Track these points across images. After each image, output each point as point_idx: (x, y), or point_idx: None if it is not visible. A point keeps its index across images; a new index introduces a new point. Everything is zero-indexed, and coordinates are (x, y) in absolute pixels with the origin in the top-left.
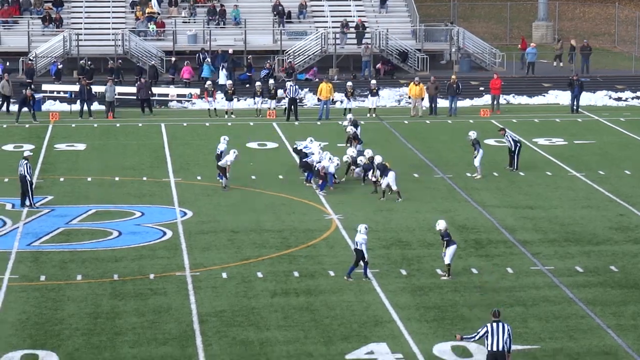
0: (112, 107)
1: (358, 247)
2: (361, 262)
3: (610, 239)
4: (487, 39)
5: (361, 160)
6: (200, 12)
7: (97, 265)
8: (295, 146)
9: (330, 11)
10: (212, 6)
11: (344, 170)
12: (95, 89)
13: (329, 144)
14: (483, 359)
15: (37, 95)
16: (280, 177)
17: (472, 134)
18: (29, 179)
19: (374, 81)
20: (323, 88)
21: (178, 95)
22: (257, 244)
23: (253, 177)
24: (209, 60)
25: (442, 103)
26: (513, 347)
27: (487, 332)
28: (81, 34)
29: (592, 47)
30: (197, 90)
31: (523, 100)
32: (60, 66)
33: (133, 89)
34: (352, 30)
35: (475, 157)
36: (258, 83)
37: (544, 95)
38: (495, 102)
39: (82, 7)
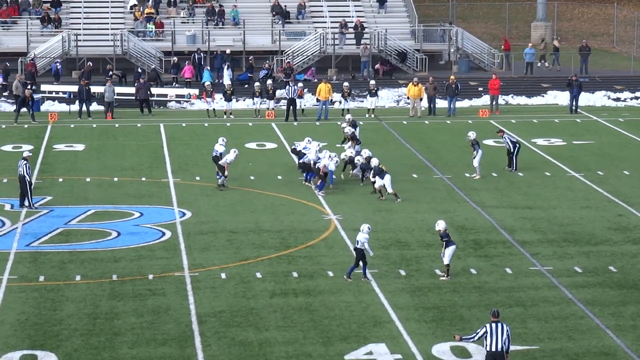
0: (111, 107)
1: (358, 247)
2: (360, 263)
3: (609, 240)
4: (485, 40)
5: (359, 160)
6: (199, 12)
7: (96, 265)
8: (293, 147)
9: (329, 11)
10: (211, 6)
11: (340, 168)
12: (94, 89)
13: (327, 144)
14: (482, 359)
15: (36, 96)
16: (279, 177)
17: (472, 135)
18: (28, 180)
19: (372, 81)
20: (322, 88)
21: (177, 96)
22: (256, 245)
23: (252, 177)
24: (209, 67)
25: (441, 103)
26: (512, 347)
27: (486, 332)
28: (80, 35)
29: (590, 48)
30: (196, 91)
31: (522, 100)
32: (59, 66)
33: (132, 90)
34: (351, 30)
35: (474, 157)
36: (257, 83)
37: (542, 96)
38: (494, 103)
39: (80, 7)
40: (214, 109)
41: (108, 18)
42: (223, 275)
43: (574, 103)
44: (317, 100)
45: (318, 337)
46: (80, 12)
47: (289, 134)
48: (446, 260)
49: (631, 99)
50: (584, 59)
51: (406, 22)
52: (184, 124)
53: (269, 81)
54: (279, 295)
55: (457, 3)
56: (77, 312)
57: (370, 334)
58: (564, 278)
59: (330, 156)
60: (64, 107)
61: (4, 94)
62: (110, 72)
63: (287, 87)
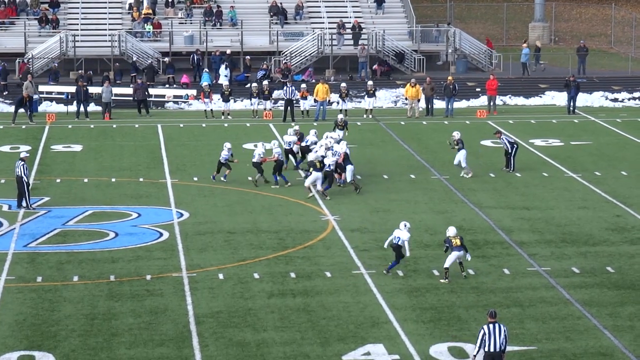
0: (109, 108)
1: (398, 243)
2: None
3: (606, 240)
4: (483, 40)
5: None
6: (196, 13)
7: (94, 266)
8: (289, 146)
9: (327, 12)
10: (209, 7)
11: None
12: (92, 90)
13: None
14: None
15: (33, 97)
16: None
17: (457, 134)
18: (26, 180)
19: (370, 82)
20: (319, 89)
21: (175, 97)
22: (254, 245)
23: (249, 178)
24: (207, 69)
25: (439, 104)
26: (510, 348)
27: (484, 334)
28: (78, 35)
29: (588, 48)
30: (193, 92)
31: (519, 101)
32: (55, 64)
33: (130, 90)
34: (349, 31)
35: (457, 156)
36: (254, 84)
37: (540, 96)
38: (491, 103)
39: (78, 8)
40: (211, 110)
41: (106, 19)
42: (221, 276)
43: (571, 104)
44: (315, 100)
45: (316, 338)
46: (78, 13)
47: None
48: (446, 264)
49: (629, 99)
50: (581, 60)
51: (404, 22)
52: (181, 125)
53: (266, 82)
54: (276, 296)
55: (455, 4)
56: (75, 312)
57: (368, 334)
58: (562, 278)
59: (333, 153)
60: (61, 107)
61: (4, 93)
62: (105, 74)
63: (285, 87)
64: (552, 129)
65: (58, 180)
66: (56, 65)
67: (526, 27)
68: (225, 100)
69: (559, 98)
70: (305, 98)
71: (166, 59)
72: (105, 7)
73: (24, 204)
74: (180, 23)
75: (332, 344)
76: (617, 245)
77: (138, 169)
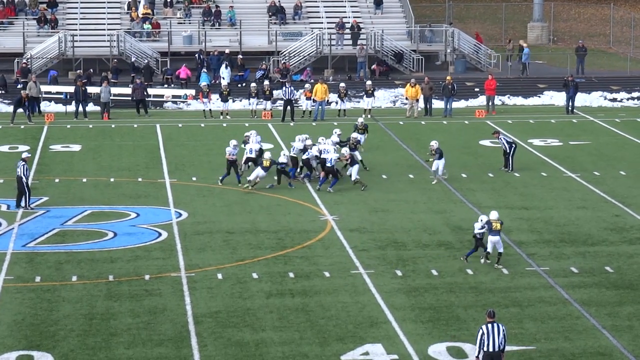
0: (108, 108)
1: (478, 236)
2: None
3: (605, 240)
4: (482, 40)
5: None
6: (195, 13)
7: (93, 266)
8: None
9: (326, 12)
10: (207, 7)
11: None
12: (91, 90)
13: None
14: None
15: (39, 97)
16: (276, 177)
17: (435, 144)
18: (25, 181)
19: (369, 82)
20: (318, 89)
21: (173, 97)
22: (253, 245)
23: (249, 178)
24: (205, 70)
25: (437, 104)
26: (508, 347)
27: (483, 334)
28: (76, 35)
29: (587, 48)
30: (192, 92)
31: (518, 101)
32: (55, 74)
33: (128, 90)
34: (348, 31)
35: (436, 165)
36: (253, 84)
37: (539, 96)
38: (490, 103)
39: (77, 8)
40: (210, 110)
41: (104, 19)
42: (219, 276)
43: (570, 103)
44: (314, 100)
45: (314, 338)
46: (77, 13)
47: (285, 134)
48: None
49: (627, 99)
50: (580, 60)
51: (402, 22)
52: (180, 125)
53: (266, 82)
54: (275, 296)
55: (454, 4)
56: (74, 312)
57: (366, 334)
58: (561, 278)
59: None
60: (60, 107)
61: (1, 92)
62: (104, 74)
63: (284, 88)
64: (551, 129)
65: (57, 180)
66: (56, 74)
67: (525, 27)
68: (224, 100)
69: (557, 98)
70: (309, 98)
71: (166, 60)
72: (104, 7)
73: (22, 203)
74: (179, 23)
75: (331, 344)
76: (616, 245)
77: (137, 168)
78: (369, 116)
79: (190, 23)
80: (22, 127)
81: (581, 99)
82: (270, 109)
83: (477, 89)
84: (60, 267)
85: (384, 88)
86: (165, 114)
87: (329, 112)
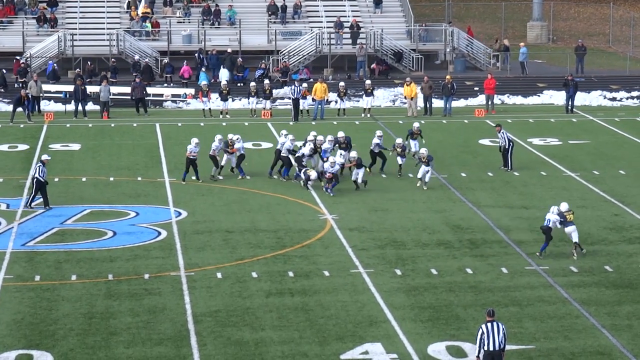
0: (107, 107)
1: (549, 225)
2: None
3: (605, 239)
4: (481, 39)
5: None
6: (194, 12)
7: (92, 265)
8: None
9: (325, 11)
10: (207, 6)
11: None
12: (90, 89)
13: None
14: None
15: (40, 96)
16: (275, 177)
17: (425, 151)
18: (39, 180)
19: (368, 81)
20: (317, 88)
21: (173, 96)
22: (252, 244)
23: (248, 177)
24: (204, 68)
25: (437, 103)
26: (508, 347)
27: (482, 333)
28: (76, 34)
29: (586, 47)
30: (191, 91)
31: (518, 100)
32: (55, 66)
33: (128, 89)
34: (347, 30)
35: (420, 171)
36: (253, 83)
37: (538, 95)
38: (489, 102)
39: (76, 7)
40: (209, 109)
41: (104, 18)
42: (219, 275)
43: (569, 103)
44: (313, 99)
45: (314, 337)
46: (76, 12)
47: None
48: (574, 239)
49: (627, 98)
50: (579, 59)
51: (402, 22)
52: (179, 124)
53: (267, 81)
54: (274, 295)
55: (453, 3)
56: (73, 311)
57: (366, 333)
58: (560, 277)
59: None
60: (59, 106)
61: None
62: (103, 73)
63: (292, 87)
64: (551, 128)
65: (56, 179)
66: (55, 65)
67: (524, 26)
68: (224, 99)
69: (557, 97)
70: (305, 97)
71: (165, 60)
72: (104, 6)
73: (31, 203)
74: (178, 22)
75: (330, 343)
76: (615, 245)
77: (136, 167)
78: (368, 115)
79: (189, 22)
80: (22, 126)
81: (581, 98)
82: (270, 108)
83: (476, 88)
84: (59, 266)
85: (384, 87)
86: (165, 113)
87: (328, 111)
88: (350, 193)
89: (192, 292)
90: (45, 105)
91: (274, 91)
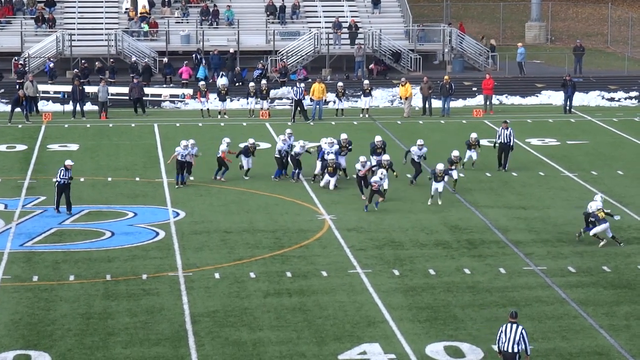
0: (105, 107)
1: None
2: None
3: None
4: (480, 40)
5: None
6: (193, 12)
7: (90, 265)
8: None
9: (323, 11)
10: (205, 6)
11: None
12: (88, 89)
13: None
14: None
15: (37, 96)
16: (273, 177)
17: (440, 166)
18: (58, 183)
19: (366, 81)
20: (315, 88)
21: (171, 96)
22: (250, 244)
23: (246, 177)
24: (204, 62)
25: (435, 103)
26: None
27: (500, 332)
28: (74, 34)
29: (584, 48)
30: (190, 91)
31: (516, 100)
32: (52, 65)
33: (126, 89)
34: (345, 30)
35: (435, 188)
36: (251, 83)
37: (537, 96)
38: (487, 103)
39: (75, 7)
40: (208, 109)
41: (102, 18)
42: (217, 275)
43: (568, 103)
44: (311, 100)
45: (312, 337)
46: (75, 12)
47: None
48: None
49: (625, 99)
50: (578, 59)
51: (400, 22)
52: (178, 124)
53: (264, 81)
54: (272, 295)
55: (452, 3)
56: (71, 312)
57: (364, 333)
58: (558, 278)
59: (382, 173)
60: (58, 107)
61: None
62: (100, 76)
63: (294, 88)
64: (549, 129)
65: (54, 180)
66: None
67: (523, 26)
68: (222, 99)
69: (555, 97)
70: (304, 98)
71: (165, 59)
72: (102, 7)
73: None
74: (176, 22)
75: (328, 343)
76: (613, 245)
77: (134, 168)
78: (366, 115)
79: (188, 22)
80: (20, 126)
81: (579, 99)
82: (268, 109)
83: (474, 89)
84: (57, 266)
85: (382, 87)
86: (163, 113)
87: (326, 112)
88: (348, 193)
89: (190, 292)
90: (44, 106)
91: (272, 91)
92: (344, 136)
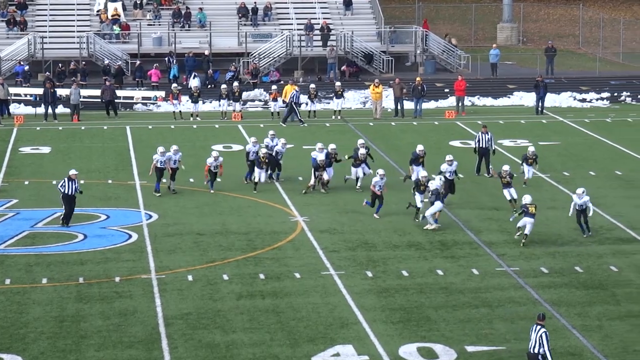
0: (77, 110)
1: (579, 208)
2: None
3: (575, 240)
4: (444, 37)
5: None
6: (165, 14)
7: (63, 268)
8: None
9: (295, 13)
10: (177, 9)
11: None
12: (60, 92)
13: (294, 146)
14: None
15: (8, 99)
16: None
17: (439, 186)
18: (63, 194)
19: (338, 83)
20: (288, 90)
21: (143, 98)
22: (223, 247)
23: (218, 179)
24: (175, 62)
25: (408, 105)
26: (479, 348)
27: (530, 334)
28: (46, 37)
29: (556, 49)
30: (162, 93)
31: (488, 101)
32: (26, 68)
33: (98, 92)
34: (317, 32)
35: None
36: (223, 85)
37: (508, 97)
38: (460, 104)
39: (46, 9)
40: (180, 111)
41: (74, 20)
42: (190, 278)
43: (539, 104)
44: (283, 102)
45: (285, 339)
46: (46, 15)
47: (255, 135)
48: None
49: (597, 99)
50: (549, 60)
51: (372, 23)
52: (150, 126)
53: (236, 83)
54: (245, 297)
55: (424, 5)
56: (44, 315)
57: (337, 335)
58: (530, 279)
59: (378, 173)
60: (29, 109)
61: None
62: (73, 78)
63: (292, 91)
64: (521, 130)
65: (26, 182)
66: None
67: (495, 28)
68: (194, 101)
69: (527, 98)
70: (275, 100)
71: (138, 62)
72: (74, 9)
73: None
74: (148, 25)
75: (302, 345)
76: (586, 245)
77: (107, 170)
78: (338, 117)
79: (160, 25)
80: None
81: (551, 100)
82: (240, 111)
83: (446, 90)
84: (30, 269)
85: (354, 89)
86: (135, 115)
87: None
88: (321, 195)
89: (163, 294)
90: (15, 109)
91: (244, 93)
92: (332, 146)
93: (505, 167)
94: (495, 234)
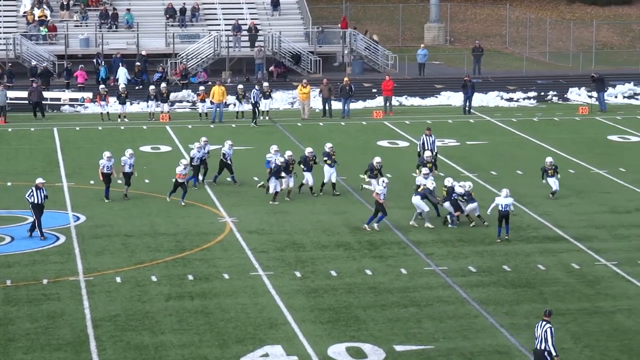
0: (4, 111)
1: (503, 210)
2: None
3: (502, 239)
4: (379, 41)
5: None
6: (92, 15)
7: None
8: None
9: (223, 14)
10: (104, 10)
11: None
12: None
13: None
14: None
15: None
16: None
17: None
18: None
19: (266, 84)
20: (215, 91)
21: (70, 100)
22: (151, 248)
23: (147, 180)
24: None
25: (336, 105)
26: (407, 347)
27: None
28: None
29: (483, 48)
30: (89, 95)
31: (415, 101)
32: None
33: (25, 94)
34: (245, 32)
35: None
36: (151, 87)
37: (436, 97)
38: (387, 104)
39: None
40: (107, 113)
41: (0, 22)
42: (118, 279)
43: (467, 104)
44: (211, 102)
45: (214, 340)
46: None
47: (183, 136)
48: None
49: (524, 99)
50: (476, 60)
51: (300, 24)
52: (77, 128)
53: (163, 84)
54: (174, 299)
55: (351, 5)
56: None
57: (266, 335)
58: (459, 278)
59: (383, 181)
60: None
61: None
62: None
63: (253, 90)
64: (448, 129)
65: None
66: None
67: (422, 27)
68: (122, 102)
69: (454, 98)
70: (203, 101)
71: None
72: (0, 11)
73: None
74: (75, 26)
75: (231, 346)
76: (513, 244)
77: (34, 172)
78: (266, 118)
79: (87, 26)
80: None
81: (478, 99)
82: (168, 112)
83: (374, 90)
84: None
85: (282, 90)
86: (63, 117)
87: (227, 115)
88: (249, 195)
89: (91, 296)
90: None
91: (172, 94)
92: (309, 150)
93: (377, 159)
94: (424, 233)
